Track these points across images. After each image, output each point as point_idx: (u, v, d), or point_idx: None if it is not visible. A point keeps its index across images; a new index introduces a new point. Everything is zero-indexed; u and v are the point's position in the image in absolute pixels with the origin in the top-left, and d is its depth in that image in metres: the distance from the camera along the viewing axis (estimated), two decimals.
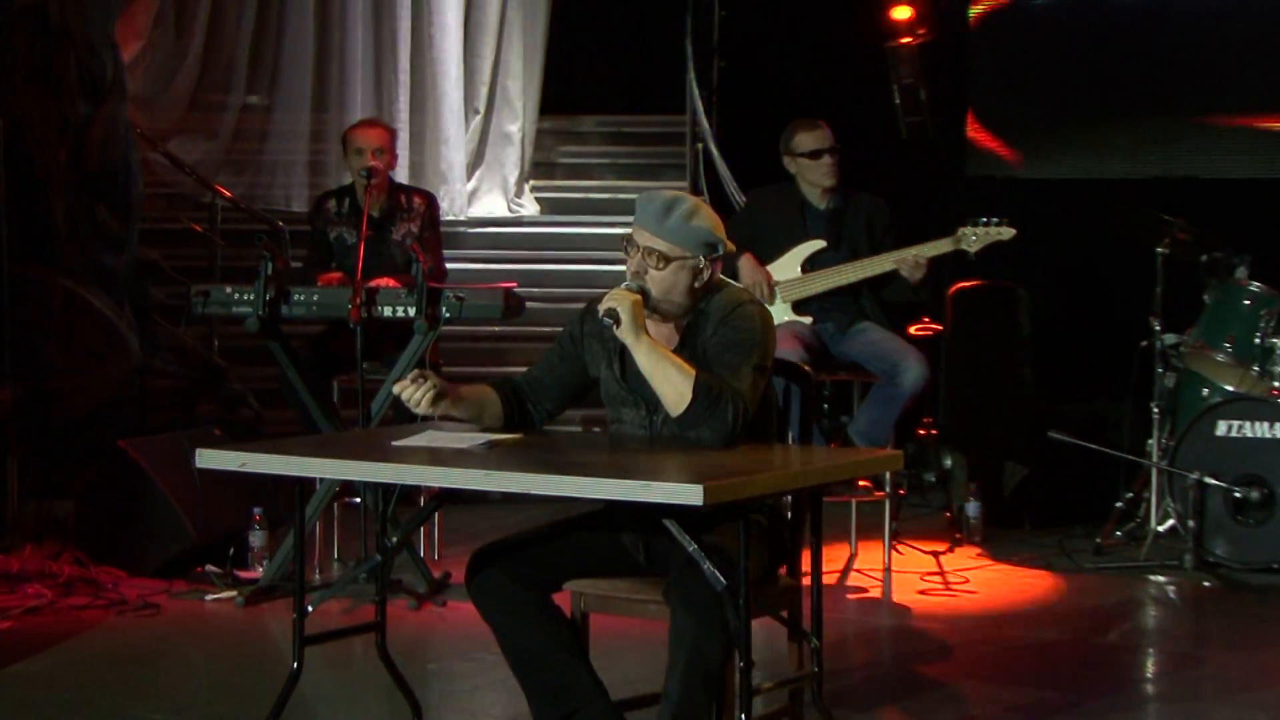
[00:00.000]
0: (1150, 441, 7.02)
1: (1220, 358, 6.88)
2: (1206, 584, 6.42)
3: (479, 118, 10.10)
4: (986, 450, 7.74)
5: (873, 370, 6.47)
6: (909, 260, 6.42)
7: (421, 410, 3.92)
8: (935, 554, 6.86)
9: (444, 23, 9.90)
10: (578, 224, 10.06)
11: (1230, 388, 6.89)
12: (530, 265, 9.69)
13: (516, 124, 10.12)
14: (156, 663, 5.35)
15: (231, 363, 8.19)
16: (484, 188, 10.09)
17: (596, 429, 6.93)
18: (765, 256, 6.58)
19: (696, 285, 3.91)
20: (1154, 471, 6.92)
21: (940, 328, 8.14)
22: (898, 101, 9.62)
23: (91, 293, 7.19)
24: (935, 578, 6.54)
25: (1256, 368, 6.80)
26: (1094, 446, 7.05)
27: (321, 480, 5.82)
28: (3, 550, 6.33)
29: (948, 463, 7.86)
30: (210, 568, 6.25)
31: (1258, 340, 6.79)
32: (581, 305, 4.13)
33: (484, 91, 10.09)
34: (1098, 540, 7.00)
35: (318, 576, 6.40)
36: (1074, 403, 8.25)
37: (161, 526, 6.36)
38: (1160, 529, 6.89)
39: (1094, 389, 8.23)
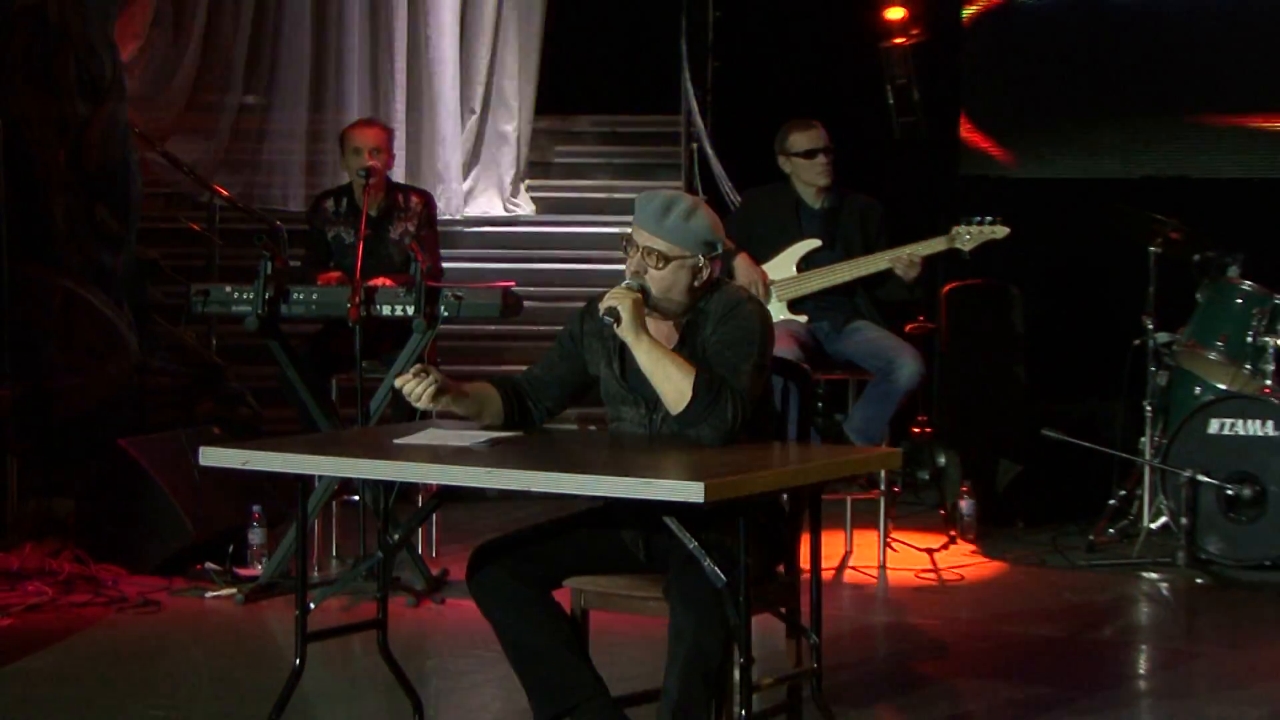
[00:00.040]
0: (1143, 439, 7.04)
1: (1213, 356, 6.91)
2: (1199, 581, 6.45)
3: (475, 117, 10.09)
4: (980, 448, 7.75)
5: (868, 367, 6.48)
6: (903, 259, 6.45)
7: (423, 405, 3.91)
8: (930, 551, 6.89)
9: (440, 23, 9.90)
10: (573, 223, 10.04)
11: (1222, 386, 6.92)
12: (526, 265, 9.68)
13: (512, 124, 10.11)
14: (157, 660, 5.35)
15: (230, 361, 8.20)
16: (480, 187, 10.07)
17: (593, 427, 6.94)
18: (760, 256, 6.59)
19: (696, 284, 3.93)
20: (1147, 469, 6.94)
21: (934, 326, 8.16)
22: (891, 102, 9.62)
23: (91, 292, 7.21)
24: (930, 575, 6.58)
25: (1248, 366, 6.82)
26: (1087, 444, 7.05)
27: (320, 478, 5.85)
28: (3, 548, 6.34)
29: (942, 460, 7.89)
30: (210, 565, 6.26)
31: (1250, 339, 6.80)
32: (577, 304, 4.15)
33: (480, 91, 10.07)
34: (1091, 537, 7.03)
35: (316, 574, 6.41)
36: (1067, 401, 8.28)
37: (161, 524, 6.37)
38: (1153, 526, 6.91)
39: (1087, 387, 8.26)
